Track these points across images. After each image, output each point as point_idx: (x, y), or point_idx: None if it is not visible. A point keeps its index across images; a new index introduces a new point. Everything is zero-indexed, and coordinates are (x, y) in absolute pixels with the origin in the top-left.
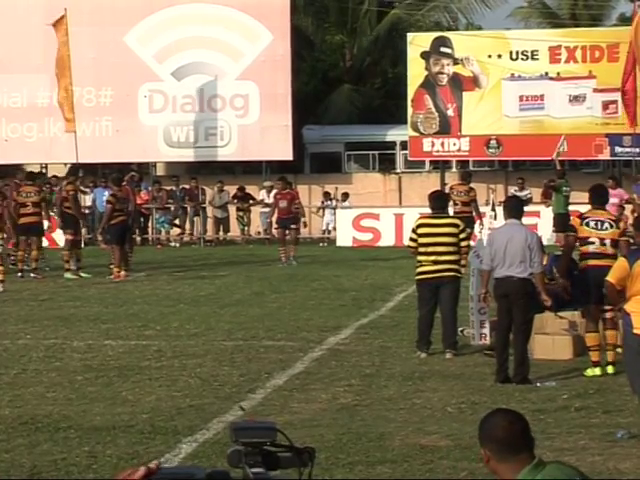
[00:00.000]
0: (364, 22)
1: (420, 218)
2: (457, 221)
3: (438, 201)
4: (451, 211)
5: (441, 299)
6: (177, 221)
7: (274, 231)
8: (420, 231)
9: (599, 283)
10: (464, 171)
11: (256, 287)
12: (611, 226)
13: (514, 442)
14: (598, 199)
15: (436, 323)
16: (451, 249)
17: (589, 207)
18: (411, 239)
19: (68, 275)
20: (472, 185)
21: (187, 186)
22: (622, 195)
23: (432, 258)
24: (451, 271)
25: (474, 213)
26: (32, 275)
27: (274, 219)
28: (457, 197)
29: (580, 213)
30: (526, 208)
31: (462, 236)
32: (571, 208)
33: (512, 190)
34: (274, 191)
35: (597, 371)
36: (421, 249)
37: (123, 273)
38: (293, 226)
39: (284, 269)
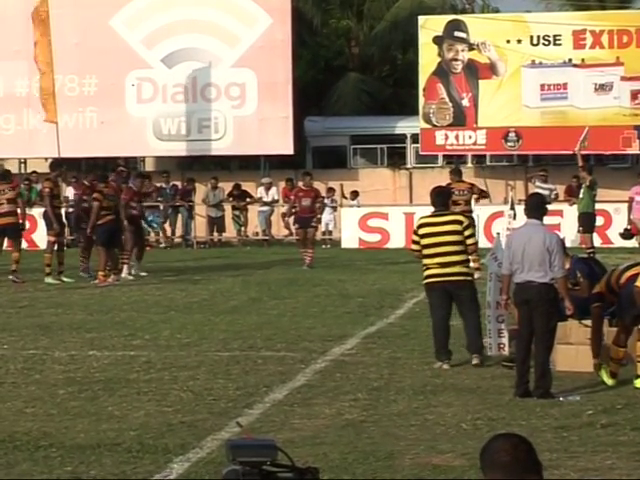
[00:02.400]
0: (375, 5)
1: (421, 218)
2: (460, 217)
3: (439, 197)
4: None
5: (460, 306)
6: (167, 222)
7: (293, 230)
8: (422, 232)
9: None
10: (456, 168)
11: (253, 293)
12: None
13: (521, 466)
14: None
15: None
16: (457, 248)
17: None
18: (413, 241)
19: (49, 280)
20: (488, 181)
21: (178, 183)
22: None
23: (437, 260)
24: (461, 275)
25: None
26: (10, 277)
27: (291, 218)
28: (460, 197)
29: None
30: (548, 206)
31: (467, 233)
32: (597, 207)
33: (535, 182)
34: (273, 188)
35: (611, 382)
36: (425, 251)
37: (112, 277)
38: (313, 224)
39: (284, 273)
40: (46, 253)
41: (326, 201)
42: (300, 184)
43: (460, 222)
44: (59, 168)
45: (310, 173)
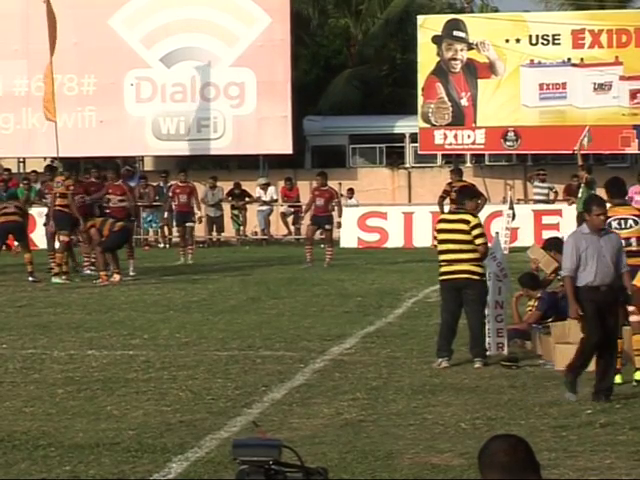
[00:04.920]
0: (372, 4)
1: (442, 214)
2: (468, 217)
3: (460, 195)
4: (447, 209)
5: (465, 305)
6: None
7: (305, 228)
8: (438, 227)
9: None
10: (456, 167)
11: (252, 292)
12: (636, 223)
13: (520, 466)
14: (617, 193)
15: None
16: (463, 247)
17: (609, 205)
18: (434, 237)
19: (56, 280)
20: (487, 181)
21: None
22: None
23: (446, 257)
24: (467, 273)
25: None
26: (30, 279)
27: (307, 216)
28: None
29: None
30: (547, 206)
31: (475, 233)
32: None
33: (534, 182)
34: (272, 187)
35: (617, 379)
36: (439, 247)
37: (116, 277)
38: (327, 227)
39: (282, 272)
40: (58, 252)
41: None
42: (317, 183)
43: (467, 222)
44: (71, 170)
45: (325, 173)
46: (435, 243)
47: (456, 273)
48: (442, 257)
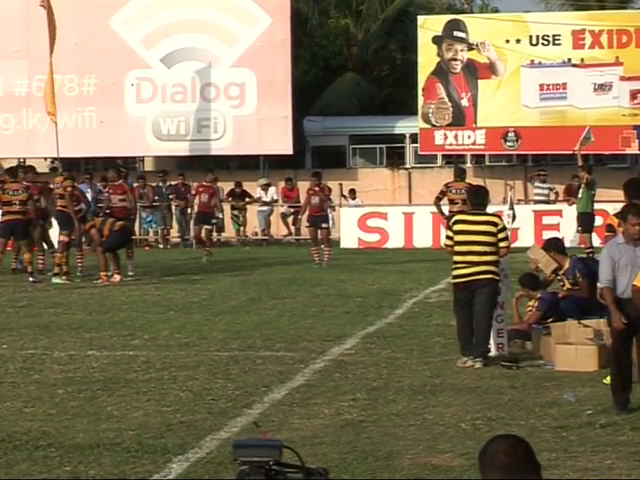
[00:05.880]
0: (372, 4)
1: (457, 214)
2: (495, 219)
3: (476, 197)
4: (446, 209)
5: (476, 304)
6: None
7: (304, 230)
8: (456, 228)
9: None
10: (459, 167)
11: (253, 292)
12: None
13: (520, 466)
14: (636, 193)
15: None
16: (488, 249)
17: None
18: (447, 237)
19: (57, 280)
20: (488, 181)
21: (175, 182)
22: None
23: (467, 258)
24: (487, 273)
25: None
26: (30, 279)
27: (304, 217)
28: (457, 195)
29: (617, 212)
30: (547, 206)
31: (500, 236)
32: (596, 207)
33: (534, 182)
34: (272, 188)
35: (607, 380)
36: (457, 248)
37: (117, 277)
38: (324, 225)
39: (283, 273)
40: (58, 253)
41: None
42: (311, 183)
43: (495, 224)
44: (70, 170)
45: (319, 173)
46: (449, 243)
47: (478, 274)
48: (461, 258)
